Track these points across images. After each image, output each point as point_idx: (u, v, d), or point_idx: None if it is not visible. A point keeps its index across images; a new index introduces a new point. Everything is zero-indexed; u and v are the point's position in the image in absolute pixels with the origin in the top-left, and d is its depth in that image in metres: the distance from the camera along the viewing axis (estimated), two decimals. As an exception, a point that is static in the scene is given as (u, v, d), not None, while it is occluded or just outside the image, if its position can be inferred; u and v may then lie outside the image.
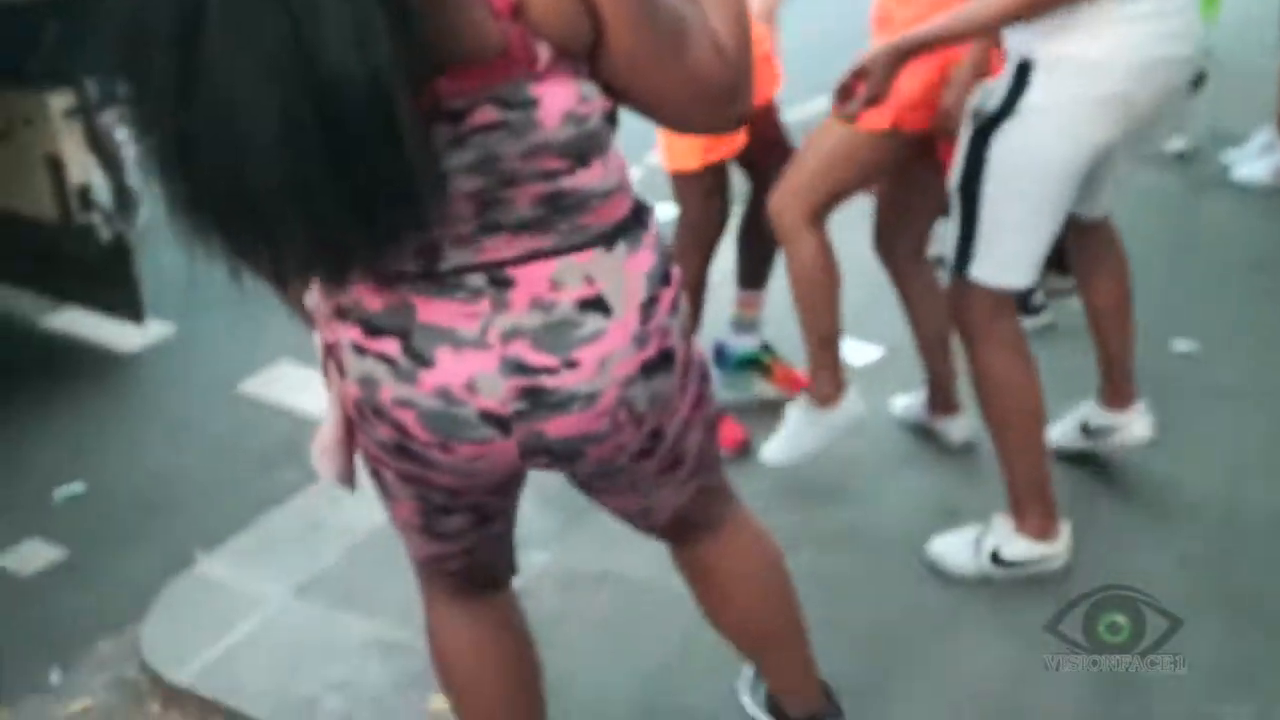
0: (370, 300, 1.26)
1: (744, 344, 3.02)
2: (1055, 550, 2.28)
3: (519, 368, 1.24)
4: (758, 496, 2.02)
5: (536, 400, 1.25)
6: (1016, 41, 2.01)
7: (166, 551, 2.76)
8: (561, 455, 1.32)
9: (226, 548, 2.67)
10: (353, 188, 1.06)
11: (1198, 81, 2.19)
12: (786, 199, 2.41)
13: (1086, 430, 2.60)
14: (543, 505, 2.61)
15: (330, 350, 1.33)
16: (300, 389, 3.51)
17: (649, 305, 1.29)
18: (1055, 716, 2.01)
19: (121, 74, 1.08)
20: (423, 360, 1.24)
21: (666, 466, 1.45)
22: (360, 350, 1.27)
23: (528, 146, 1.17)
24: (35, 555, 2.80)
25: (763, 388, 3.00)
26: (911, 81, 2.18)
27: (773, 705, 1.86)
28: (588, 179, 1.23)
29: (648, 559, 2.40)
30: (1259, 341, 3.18)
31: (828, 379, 2.53)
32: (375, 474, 1.44)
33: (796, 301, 2.48)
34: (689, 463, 1.49)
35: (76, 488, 3.07)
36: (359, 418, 1.34)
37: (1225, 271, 3.61)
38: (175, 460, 3.18)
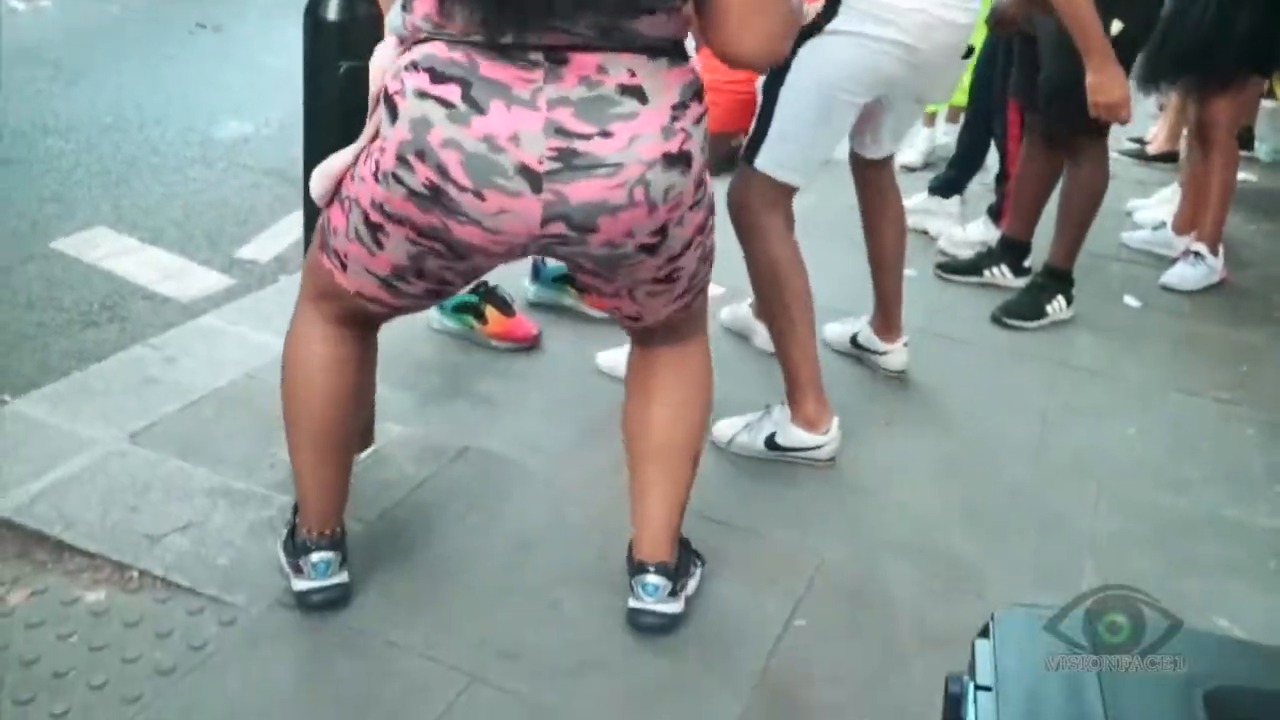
0: (442, 53, 1.43)
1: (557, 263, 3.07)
2: (824, 440, 2.44)
3: (559, 130, 1.40)
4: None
5: (568, 161, 1.41)
6: None
7: (-32, 389, 2.54)
8: (577, 224, 1.47)
9: (43, 393, 2.46)
10: None
11: (968, 53, 2.56)
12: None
13: (855, 343, 2.93)
14: (399, 386, 2.56)
15: (388, 99, 1.47)
16: (120, 255, 3.29)
17: (680, 107, 1.48)
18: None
19: None
20: (478, 107, 1.40)
21: (664, 277, 1.63)
22: (423, 94, 1.43)
23: None
24: None
25: (572, 300, 3.04)
26: None
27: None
28: (646, 24, 1.42)
29: (506, 439, 2.44)
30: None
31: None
32: (367, 225, 1.57)
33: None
34: (683, 280, 1.69)
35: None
36: (395, 166, 1.47)
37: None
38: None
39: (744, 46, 1.47)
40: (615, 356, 2.63)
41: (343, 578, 1.88)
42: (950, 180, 4.03)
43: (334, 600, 1.87)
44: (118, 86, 4.68)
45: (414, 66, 1.45)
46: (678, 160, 1.48)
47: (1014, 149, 3.72)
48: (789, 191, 2.41)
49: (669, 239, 1.57)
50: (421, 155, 1.44)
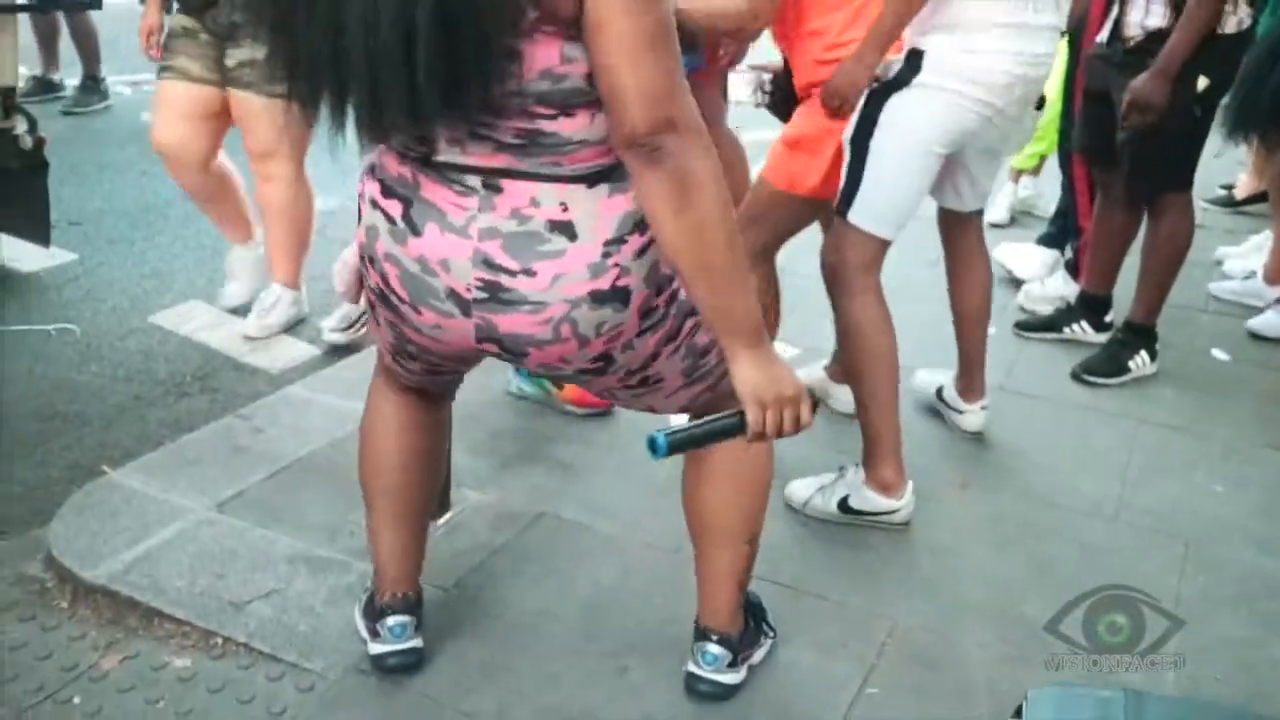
0: (392, 166, 1.48)
1: None
2: (899, 505, 2.43)
3: (486, 262, 1.42)
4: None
5: (494, 293, 1.44)
6: (911, 33, 2.32)
7: (71, 463, 2.66)
8: (509, 349, 1.50)
9: (140, 463, 2.57)
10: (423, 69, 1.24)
11: (1040, 104, 2.59)
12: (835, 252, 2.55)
13: (939, 395, 2.94)
14: (476, 452, 2.62)
15: (361, 196, 1.55)
16: (212, 327, 3.43)
17: (615, 242, 1.44)
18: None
19: None
20: (414, 228, 1.45)
21: (637, 384, 1.61)
22: (374, 204, 1.50)
23: (511, 89, 1.30)
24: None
25: (538, 393, 2.90)
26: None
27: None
28: (569, 126, 1.37)
29: (580, 504, 2.47)
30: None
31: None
32: (369, 302, 1.65)
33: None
34: (670, 380, 1.64)
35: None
36: (361, 259, 1.57)
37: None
38: (82, 379, 3.06)
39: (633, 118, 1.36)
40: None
41: (417, 642, 1.93)
42: (1054, 235, 4.07)
43: (408, 665, 1.92)
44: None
45: (372, 172, 1.52)
46: (609, 297, 1.45)
47: (1084, 203, 3.70)
48: (883, 246, 2.42)
49: (616, 363, 1.55)
50: (372, 260, 1.53)
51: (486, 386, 2.80)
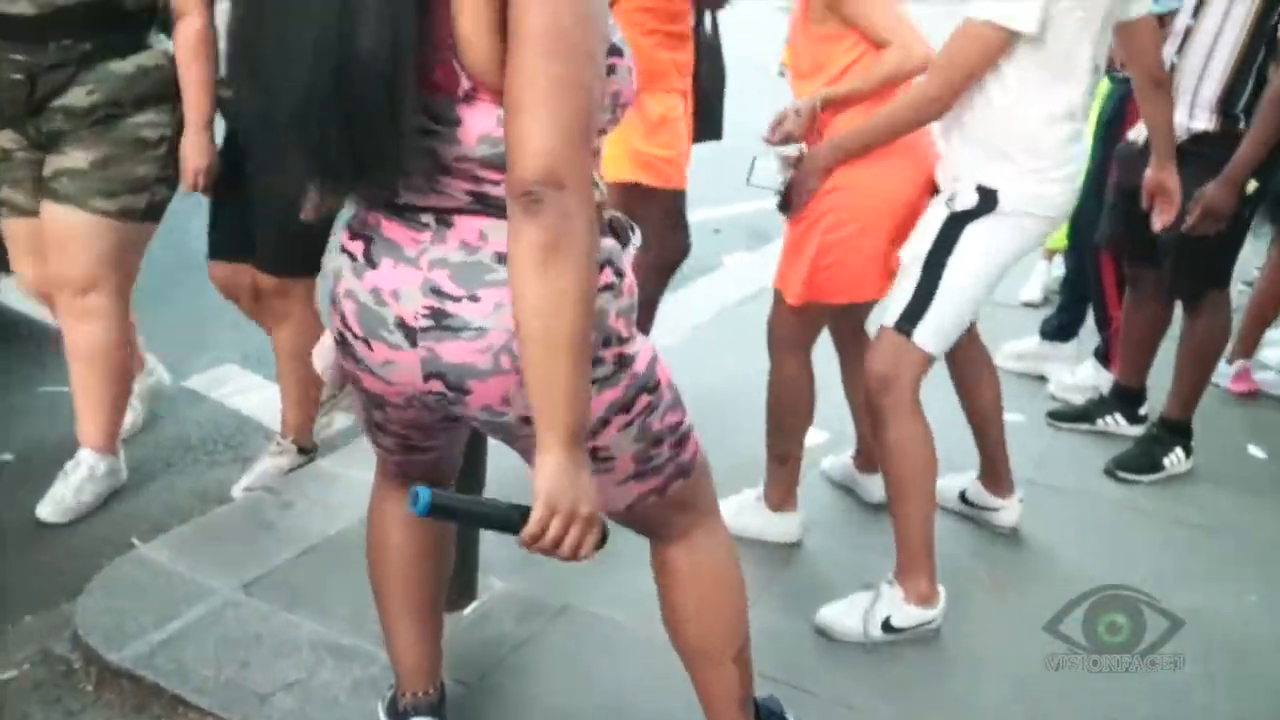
0: (361, 212, 1.55)
1: None
2: (935, 614, 2.42)
3: (434, 290, 1.45)
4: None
5: (439, 320, 1.45)
6: (979, 174, 2.32)
7: (99, 534, 2.67)
8: (452, 384, 1.48)
9: (168, 537, 2.58)
10: (350, 138, 1.31)
11: None
12: (780, 323, 2.65)
13: (964, 499, 2.90)
14: (500, 537, 2.60)
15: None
16: (245, 392, 3.46)
17: None
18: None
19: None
20: (372, 262, 1.50)
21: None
22: (341, 248, 1.56)
23: (455, 154, 1.38)
24: (-43, 523, 2.68)
25: None
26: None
27: None
28: None
29: (607, 595, 2.45)
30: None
31: (778, 489, 2.77)
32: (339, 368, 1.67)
33: (768, 417, 2.71)
34: (619, 465, 1.57)
35: (5, 457, 2.95)
36: (331, 306, 1.59)
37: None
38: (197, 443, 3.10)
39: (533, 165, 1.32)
40: (726, 507, 2.64)
41: None
42: (1064, 325, 3.99)
43: (432, 767, 1.90)
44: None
45: (345, 224, 1.58)
46: None
47: (1111, 292, 3.68)
48: (931, 366, 2.42)
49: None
50: (334, 302, 1.57)
51: (515, 470, 2.79)
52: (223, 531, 2.61)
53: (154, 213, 2.73)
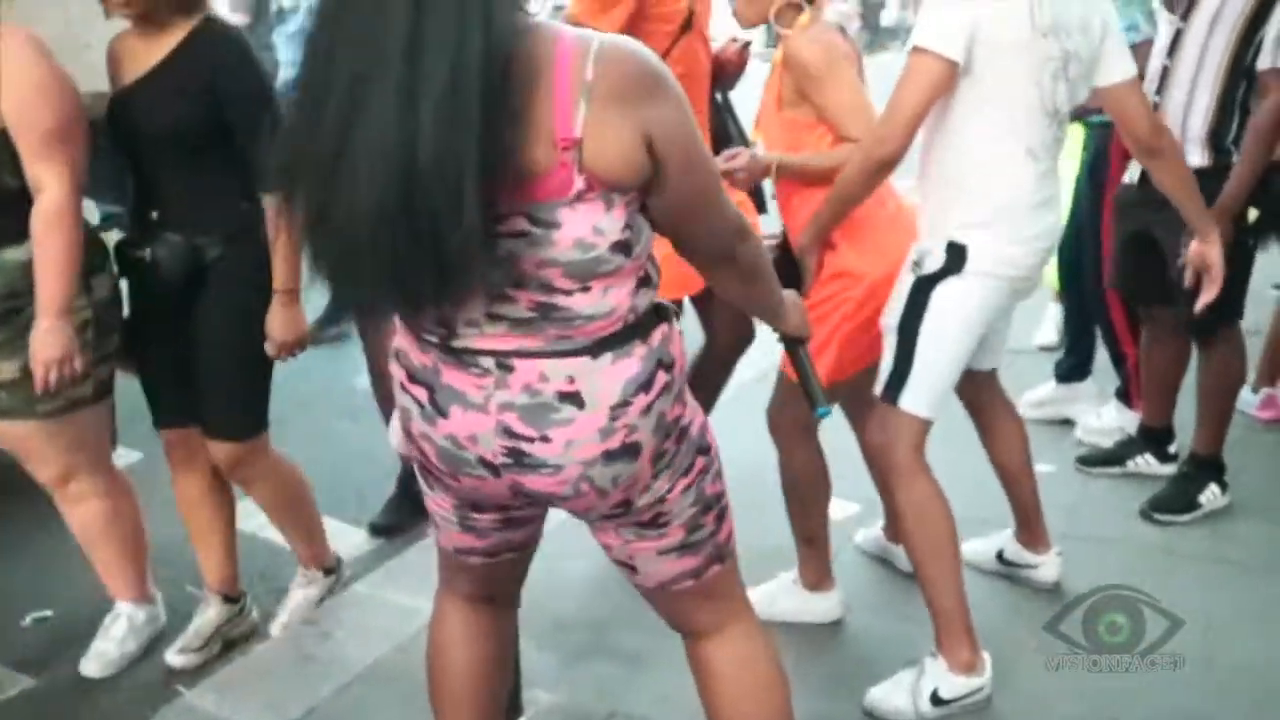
0: (414, 355, 1.58)
1: None
2: (983, 681, 2.39)
3: (507, 431, 1.52)
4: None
5: (518, 459, 1.54)
6: (949, 228, 2.33)
7: (145, 682, 2.68)
8: (539, 502, 1.64)
9: (213, 680, 2.60)
10: (418, 254, 1.34)
11: None
12: (779, 411, 2.65)
13: (1001, 560, 2.87)
14: (542, 646, 2.61)
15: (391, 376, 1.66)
16: (277, 521, 3.46)
17: (620, 406, 1.53)
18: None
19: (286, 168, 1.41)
20: (441, 412, 1.55)
21: (648, 522, 1.64)
22: (404, 388, 1.61)
23: (540, 259, 1.43)
24: (5, 682, 2.69)
25: None
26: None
27: None
28: (582, 302, 1.48)
29: (651, 699, 2.44)
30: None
31: (811, 569, 2.74)
32: (422, 470, 1.70)
33: (787, 501, 2.71)
34: (675, 528, 1.66)
35: (45, 613, 2.98)
36: (404, 430, 1.65)
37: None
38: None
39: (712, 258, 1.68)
40: (763, 594, 2.64)
41: None
42: (1076, 365, 3.98)
43: None
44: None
45: (397, 357, 1.62)
46: (620, 454, 1.54)
47: (1122, 329, 3.69)
48: (929, 425, 2.42)
49: (636, 505, 1.62)
50: (410, 435, 1.63)
51: (548, 572, 2.79)
52: (265, 669, 2.62)
53: (104, 390, 2.57)
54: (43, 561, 3.23)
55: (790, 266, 2.56)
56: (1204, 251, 2.61)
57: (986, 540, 2.91)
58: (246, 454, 2.65)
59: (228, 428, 2.61)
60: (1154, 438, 3.45)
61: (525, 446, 1.52)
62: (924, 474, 2.40)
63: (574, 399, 1.50)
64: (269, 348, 2.53)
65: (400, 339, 1.61)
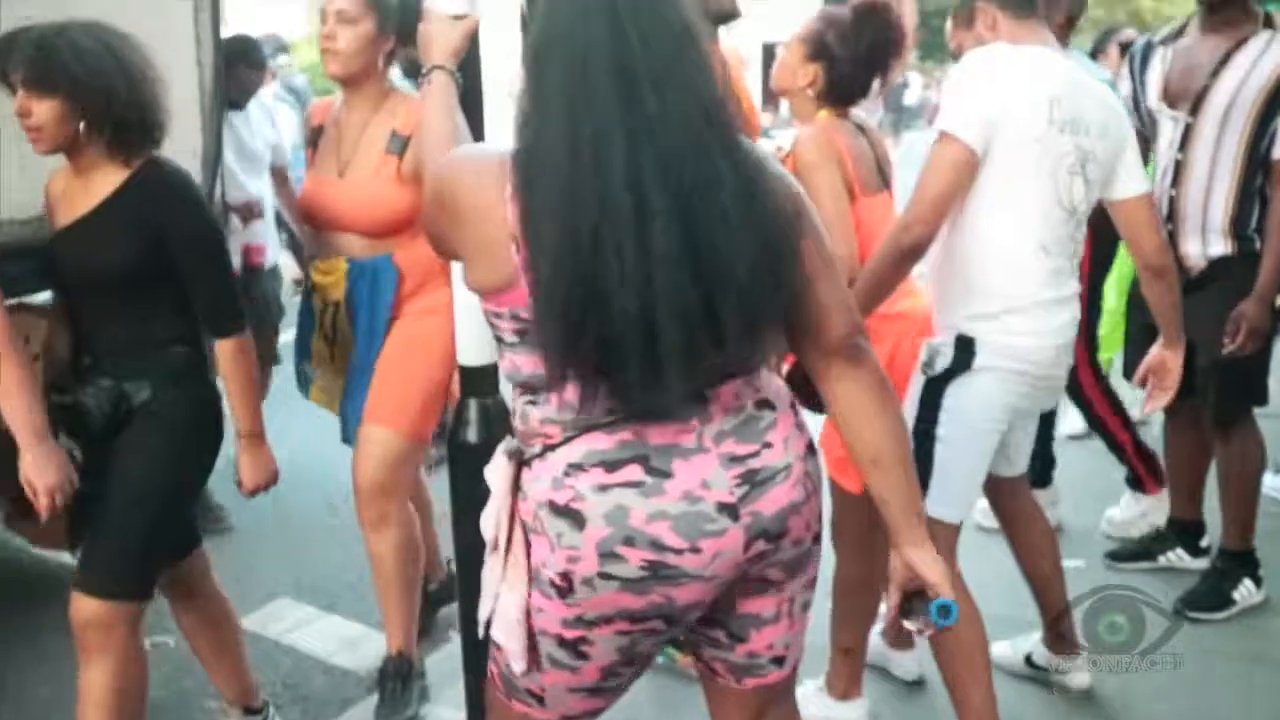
0: (606, 443, 1.52)
1: None
2: None
3: (733, 459, 1.54)
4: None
5: (752, 480, 1.55)
6: (958, 319, 2.34)
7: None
8: (774, 534, 1.58)
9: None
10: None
11: None
12: (841, 518, 2.61)
13: (1030, 663, 2.83)
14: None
15: (563, 510, 1.53)
16: (300, 627, 3.46)
17: (792, 405, 1.66)
18: None
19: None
20: (665, 474, 1.51)
21: (809, 581, 1.69)
22: (604, 488, 1.51)
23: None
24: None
25: (664, 660, 2.93)
26: None
27: None
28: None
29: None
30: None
31: (842, 679, 2.70)
32: (563, 645, 1.58)
33: (835, 612, 2.67)
34: (805, 577, 1.69)
35: (70, 725, 2.96)
36: (600, 565, 1.51)
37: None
38: (172, 699, 3.08)
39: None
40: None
41: None
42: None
43: None
44: (292, 442, 5.01)
45: (578, 468, 1.52)
46: (813, 450, 1.66)
47: (1106, 414, 3.70)
48: (957, 531, 2.39)
49: (811, 554, 1.68)
50: (630, 541, 1.50)
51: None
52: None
53: None
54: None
55: (808, 383, 2.56)
56: (1165, 358, 2.65)
57: (1014, 643, 2.86)
58: (105, 617, 2.25)
59: (93, 581, 2.26)
60: (1184, 531, 3.40)
61: (754, 463, 1.55)
62: (958, 582, 2.35)
63: (767, 404, 1.60)
64: (241, 491, 2.48)
65: (567, 454, 1.53)
